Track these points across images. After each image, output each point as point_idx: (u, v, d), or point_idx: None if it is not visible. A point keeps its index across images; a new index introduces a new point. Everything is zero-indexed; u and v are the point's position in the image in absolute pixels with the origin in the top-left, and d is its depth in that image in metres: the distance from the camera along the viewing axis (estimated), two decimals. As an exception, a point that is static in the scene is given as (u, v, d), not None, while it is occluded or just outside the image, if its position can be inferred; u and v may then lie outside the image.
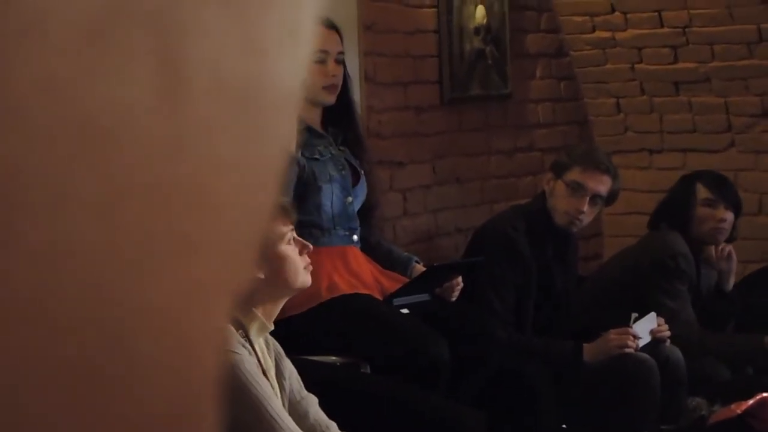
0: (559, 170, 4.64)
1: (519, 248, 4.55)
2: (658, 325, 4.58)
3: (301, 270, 3.25)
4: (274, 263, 3.17)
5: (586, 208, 4.56)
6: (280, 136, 0.45)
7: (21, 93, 0.36)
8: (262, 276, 3.13)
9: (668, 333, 4.60)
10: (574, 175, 4.59)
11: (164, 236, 0.39)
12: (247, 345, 3.10)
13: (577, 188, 4.56)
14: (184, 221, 0.40)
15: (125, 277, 0.38)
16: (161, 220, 0.39)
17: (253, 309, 3.15)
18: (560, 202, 4.59)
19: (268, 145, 0.44)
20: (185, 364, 0.40)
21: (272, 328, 3.20)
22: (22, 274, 0.36)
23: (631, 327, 4.52)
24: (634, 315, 4.58)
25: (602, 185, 4.61)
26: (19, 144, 0.35)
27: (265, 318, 3.17)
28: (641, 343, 4.51)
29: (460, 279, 4.20)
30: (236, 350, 3.03)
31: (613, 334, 4.49)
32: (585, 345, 4.52)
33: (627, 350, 4.46)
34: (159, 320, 0.39)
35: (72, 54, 0.37)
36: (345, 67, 4.22)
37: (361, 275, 4.09)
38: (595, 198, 4.59)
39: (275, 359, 3.22)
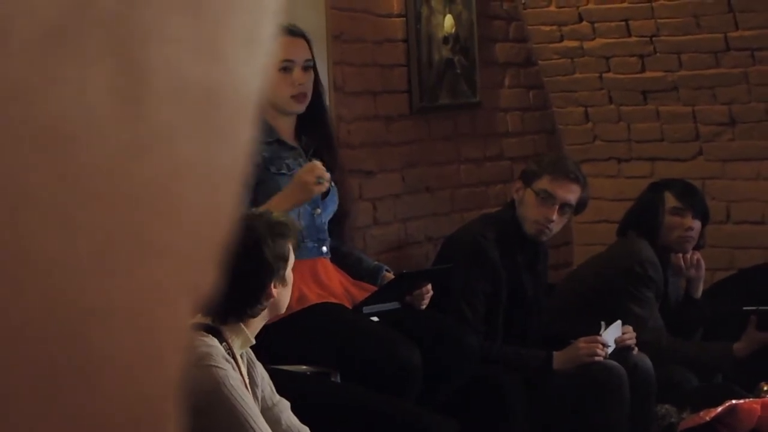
0: (528, 179, 4.65)
1: (489, 256, 4.56)
2: (623, 333, 4.60)
3: (289, 296, 3.29)
4: (283, 286, 3.20)
5: (555, 217, 4.57)
6: (241, 140, 0.46)
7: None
8: (276, 296, 3.16)
9: (633, 340, 4.62)
10: (543, 183, 4.60)
11: (125, 238, 0.40)
12: (231, 359, 3.11)
13: (546, 197, 4.58)
14: (145, 224, 0.40)
15: (85, 278, 0.38)
16: (121, 223, 0.40)
17: (241, 324, 3.16)
18: (529, 211, 4.60)
19: (229, 149, 0.45)
20: (147, 364, 0.41)
21: (254, 342, 3.22)
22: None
23: (600, 335, 4.53)
24: (603, 323, 4.60)
25: (571, 194, 4.62)
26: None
27: (249, 334, 3.19)
28: (609, 350, 4.53)
29: (429, 287, 4.20)
30: (221, 365, 3.03)
31: (582, 343, 4.51)
32: (555, 353, 4.52)
33: (596, 358, 4.47)
34: (120, 321, 0.39)
35: (33, 58, 0.37)
36: (317, 74, 4.20)
37: (331, 287, 4.08)
38: (564, 207, 4.60)
39: (247, 366, 3.23)
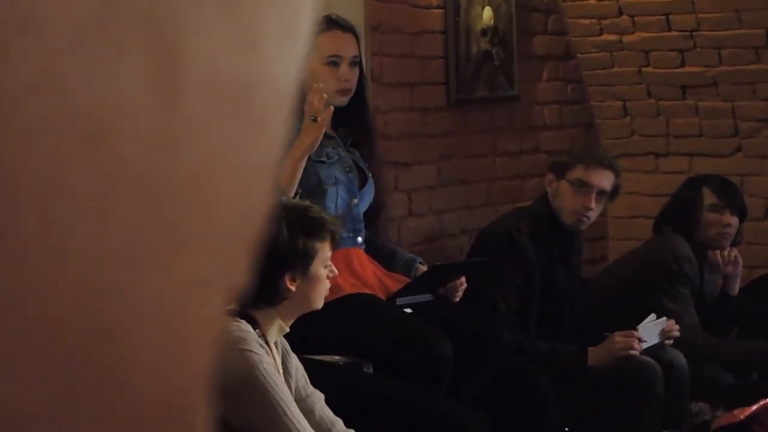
0: (561, 170, 4.65)
1: (522, 249, 4.55)
2: (669, 327, 4.59)
3: (324, 294, 3.29)
4: (308, 282, 3.20)
5: (593, 204, 4.59)
6: (276, 134, 0.45)
7: (17, 89, 0.36)
8: (293, 289, 3.16)
9: (677, 333, 4.62)
10: (577, 173, 4.60)
11: (158, 231, 0.40)
12: (265, 345, 3.12)
13: (582, 186, 4.59)
14: (178, 217, 0.40)
15: (118, 271, 0.38)
16: (155, 216, 0.40)
17: (274, 312, 3.17)
18: (566, 201, 4.60)
19: (264, 143, 0.45)
20: (178, 357, 0.40)
21: (288, 330, 3.24)
22: (14, 268, 0.36)
23: (637, 329, 4.52)
24: (653, 315, 4.59)
25: (606, 180, 4.63)
26: (13, 139, 0.36)
27: (283, 322, 3.20)
28: (644, 345, 4.52)
29: (463, 279, 4.19)
30: (255, 350, 3.04)
31: (618, 337, 4.50)
32: (590, 348, 4.51)
33: (632, 353, 4.46)
34: (152, 315, 0.39)
35: (67, 50, 0.37)
36: (362, 69, 4.21)
37: (364, 277, 4.08)
38: (600, 194, 4.62)
39: (282, 356, 3.24)
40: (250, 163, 0.44)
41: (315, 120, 3.81)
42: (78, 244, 0.39)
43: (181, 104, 0.41)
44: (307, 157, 3.86)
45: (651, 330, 4.58)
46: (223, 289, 0.43)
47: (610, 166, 4.67)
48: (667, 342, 4.63)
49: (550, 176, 4.71)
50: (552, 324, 4.69)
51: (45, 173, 0.38)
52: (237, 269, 0.44)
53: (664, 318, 4.65)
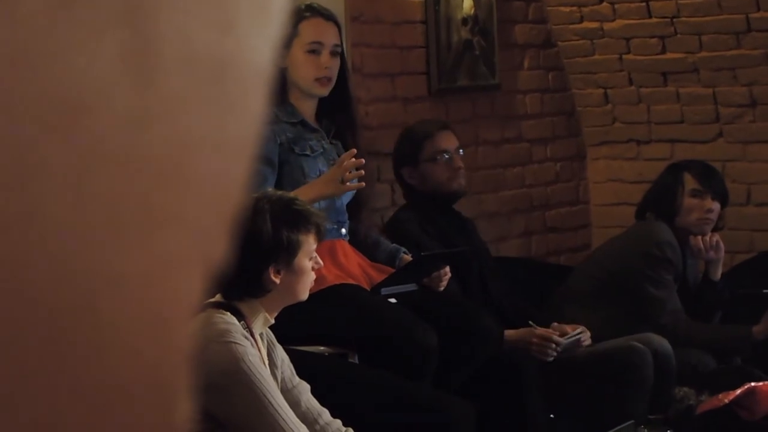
0: (412, 159, 4.69)
1: (408, 232, 4.57)
2: (583, 341, 4.54)
3: (309, 286, 3.29)
4: (292, 274, 3.20)
5: (461, 163, 4.69)
6: (252, 111, 0.45)
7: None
8: (278, 281, 3.16)
9: (587, 341, 4.58)
10: (431, 148, 4.67)
11: (135, 208, 0.40)
12: (250, 337, 3.12)
13: (441, 156, 4.65)
14: (155, 193, 0.40)
15: (95, 247, 0.38)
16: (132, 192, 0.40)
17: (258, 303, 3.17)
18: (437, 176, 4.66)
19: (240, 121, 0.45)
20: (157, 333, 0.41)
21: (273, 322, 3.24)
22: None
23: (560, 343, 4.45)
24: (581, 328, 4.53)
25: (454, 139, 4.74)
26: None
27: (268, 314, 3.20)
28: (560, 348, 4.49)
29: (447, 269, 4.20)
30: (240, 342, 3.04)
31: (536, 338, 4.45)
32: (506, 332, 4.45)
33: (548, 359, 4.42)
34: (129, 291, 0.39)
35: (41, 26, 0.37)
36: (344, 60, 4.21)
37: (349, 268, 4.08)
38: (458, 152, 4.71)
39: (267, 348, 3.24)
40: (227, 139, 0.44)
41: (342, 182, 3.87)
42: (55, 221, 0.39)
43: (156, 81, 0.41)
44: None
45: (568, 345, 4.54)
46: (202, 265, 0.43)
47: (446, 126, 4.79)
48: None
49: (406, 171, 4.73)
50: (478, 290, 4.68)
51: (21, 151, 0.38)
52: (215, 245, 0.44)
53: (583, 338, 4.58)
